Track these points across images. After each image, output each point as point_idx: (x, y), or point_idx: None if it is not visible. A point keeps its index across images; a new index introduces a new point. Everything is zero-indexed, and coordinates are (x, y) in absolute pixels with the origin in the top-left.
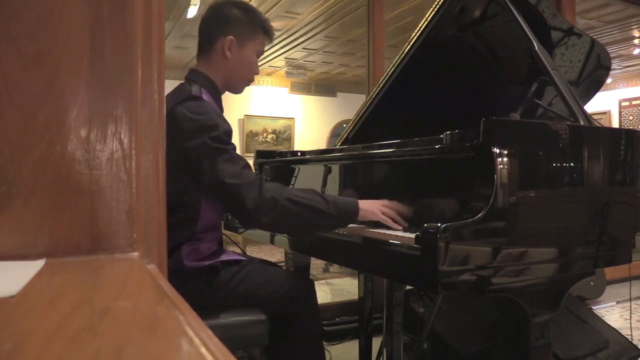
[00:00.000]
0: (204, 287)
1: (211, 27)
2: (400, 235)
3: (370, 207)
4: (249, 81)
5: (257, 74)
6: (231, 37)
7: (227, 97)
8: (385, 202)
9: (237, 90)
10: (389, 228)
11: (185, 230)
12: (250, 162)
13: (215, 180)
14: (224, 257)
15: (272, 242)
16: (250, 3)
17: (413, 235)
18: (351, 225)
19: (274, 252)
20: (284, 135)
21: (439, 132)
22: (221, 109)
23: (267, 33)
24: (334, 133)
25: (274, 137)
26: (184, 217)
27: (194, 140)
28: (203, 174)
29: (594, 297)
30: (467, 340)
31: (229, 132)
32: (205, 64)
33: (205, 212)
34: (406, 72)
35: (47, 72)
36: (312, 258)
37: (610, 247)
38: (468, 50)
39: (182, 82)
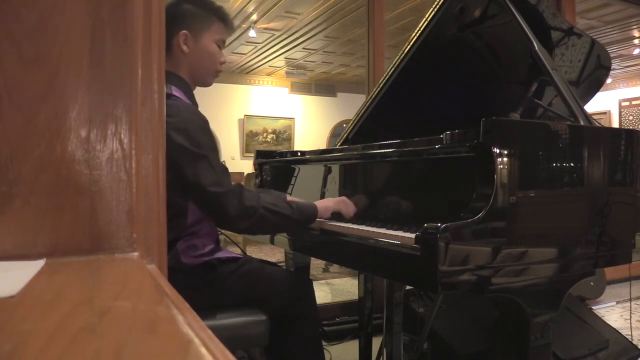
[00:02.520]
0: (202, 284)
1: (167, 26)
2: (400, 235)
3: (325, 204)
4: (215, 71)
5: (223, 63)
6: (184, 31)
7: (227, 97)
8: (337, 198)
9: (205, 82)
10: (380, 226)
11: (178, 223)
12: (250, 162)
13: (197, 187)
14: (221, 255)
15: (272, 242)
16: (250, 3)
17: (413, 235)
18: (327, 221)
19: (274, 252)
20: (284, 135)
21: (439, 132)
22: (195, 104)
23: (222, 19)
24: (334, 133)
25: (274, 137)
26: (174, 210)
27: (168, 144)
28: (184, 178)
29: (594, 297)
30: (467, 340)
31: (203, 125)
32: (170, 64)
33: (194, 205)
34: (406, 72)
35: (47, 72)
36: (312, 258)
37: (610, 247)
38: (468, 50)
39: None
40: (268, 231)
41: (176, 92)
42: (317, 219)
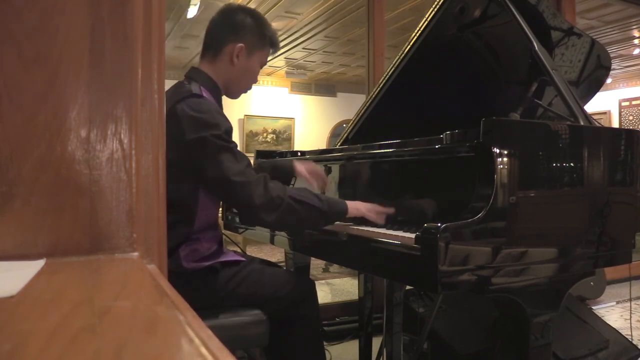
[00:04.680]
0: (203, 288)
1: (222, 31)
2: (400, 235)
3: (355, 205)
4: (248, 89)
5: (255, 82)
6: (242, 44)
7: (227, 97)
8: (369, 205)
9: (234, 95)
10: (374, 225)
11: (183, 230)
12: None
13: (222, 178)
14: (223, 258)
15: (272, 242)
16: (250, 3)
17: (413, 235)
18: (338, 222)
19: (274, 252)
20: (284, 135)
21: (439, 132)
22: (221, 108)
23: (273, 46)
24: (334, 133)
25: (274, 137)
26: (181, 217)
27: (196, 137)
28: (207, 172)
29: (594, 297)
30: (467, 340)
31: (229, 130)
32: (209, 66)
33: (203, 212)
34: (406, 72)
35: (47, 72)
36: (312, 258)
37: (610, 247)
38: (468, 50)
39: (181, 80)
40: (295, 225)
41: (205, 94)
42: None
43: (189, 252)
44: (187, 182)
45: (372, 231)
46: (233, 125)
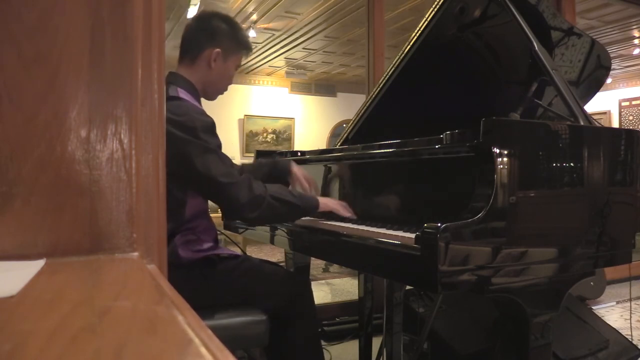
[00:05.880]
0: (202, 280)
1: (199, 36)
2: (400, 235)
3: (324, 200)
4: (224, 92)
5: (230, 84)
6: (219, 49)
7: (228, 97)
8: (338, 201)
9: (212, 98)
10: (380, 226)
11: (176, 216)
12: (250, 162)
13: (208, 179)
14: (220, 251)
15: (272, 242)
16: (250, 3)
17: (413, 235)
18: (334, 222)
19: (274, 252)
20: (284, 135)
21: (439, 132)
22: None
23: (248, 49)
24: (334, 133)
25: (274, 137)
26: (172, 202)
27: (177, 140)
28: (194, 169)
29: (594, 297)
30: (467, 340)
31: (211, 126)
32: (186, 70)
33: (193, 199)
34: (406, 72)
35: (47, 72)
36: (312, 258)
37: (610, 247)
38: (468, 50)
39: None
40: (274, 220)
41: (183, 94)
42: (310, 217)
43: (185, 241)
44: (174, 171)
45: (372, 231)
46: (233, 126)
